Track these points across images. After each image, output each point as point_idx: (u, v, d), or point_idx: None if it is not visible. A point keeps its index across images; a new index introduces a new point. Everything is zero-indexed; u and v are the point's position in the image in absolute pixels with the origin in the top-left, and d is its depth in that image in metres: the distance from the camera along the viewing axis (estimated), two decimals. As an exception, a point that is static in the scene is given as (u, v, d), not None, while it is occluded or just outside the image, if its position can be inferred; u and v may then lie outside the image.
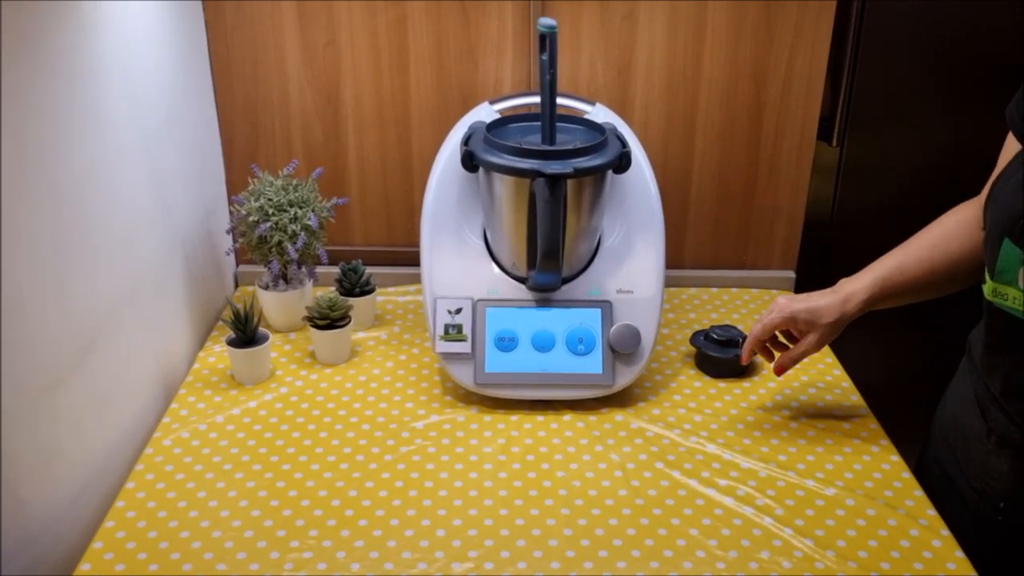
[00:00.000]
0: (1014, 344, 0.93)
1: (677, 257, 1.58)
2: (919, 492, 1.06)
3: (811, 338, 1.11)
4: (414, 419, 1.20)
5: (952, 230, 1.06)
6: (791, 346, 1.16)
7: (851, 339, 1.47)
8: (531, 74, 1.45)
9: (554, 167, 1.11)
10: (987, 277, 0.94)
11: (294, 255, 1.32)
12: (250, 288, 1.54)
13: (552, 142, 1.16)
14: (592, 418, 1.20)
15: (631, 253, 1.25)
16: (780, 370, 1.16)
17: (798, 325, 1.12)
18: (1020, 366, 0.94)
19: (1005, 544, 1.02)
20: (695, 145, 1.51)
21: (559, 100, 1.19)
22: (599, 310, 1.23)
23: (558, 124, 1.20)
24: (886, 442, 1.16)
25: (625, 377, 1.22)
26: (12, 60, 0.86)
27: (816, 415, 1.22)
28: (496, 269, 1.25)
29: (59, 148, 0.96)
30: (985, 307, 0.96)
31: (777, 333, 1.17)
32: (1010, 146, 0.99)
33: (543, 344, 1.21)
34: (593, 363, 1.21)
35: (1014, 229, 0.88)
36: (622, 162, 1.18)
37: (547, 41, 1.09)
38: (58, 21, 0.96)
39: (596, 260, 1.26)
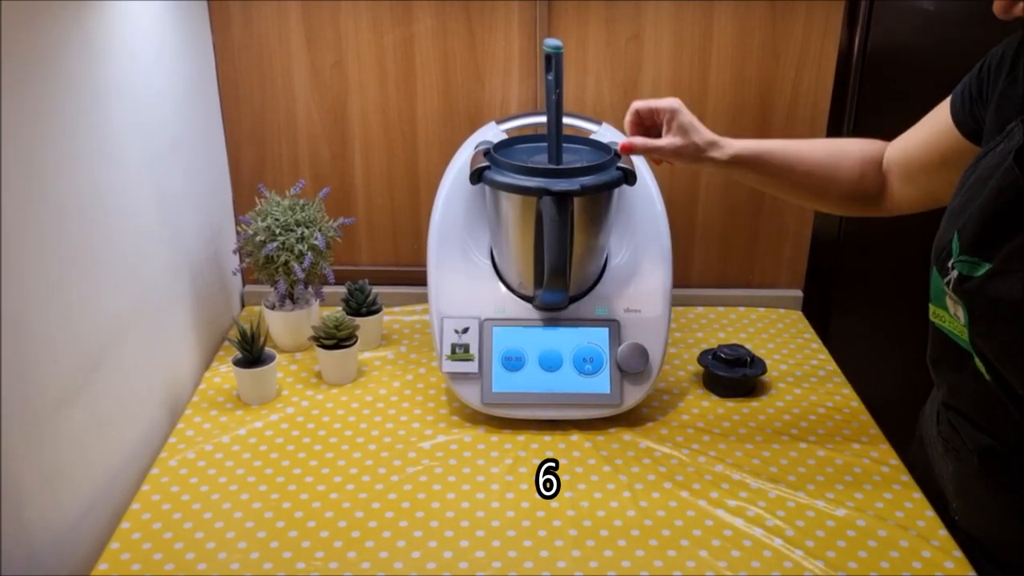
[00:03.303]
0: (952, 360, 0.95)
1: (684, 276, 1.57)
2: (930, 513, 1.05)
3: (670, 140, 1.09)
4: (421, 439, 1.19)
5: (847, 152, 1.10)
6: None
7: (861, 359, 1.47)
8: (537, 94, 1.46)
9: (561, 185, 1.11)
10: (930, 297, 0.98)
11: (301, 275, 1.32)
12: (256, 308, 1.54)
13: (559, 161, 1.16)
14: (600, 438, 1.20)
15: (638, 272, 1.25)
16: (629, 148, 1.11)
17: (674, 121, 1.09)
18: (957, 382, 0.97)
19: (964, 544, 1.02)
20: (701, 164, 1.51)
21: (565, 120, 1.20)
22: (606, 329, 1.22)
23: (565, 144, 1.20)
24: (896, 462, 1.15)
25: (633, 397, 1.21)
26: (20, 82, 0.86)
27: (826, 435, 1.21)
28: (503, 288, 1.25)
29: (66, 168, 0.96)
30: (930, 326, 0.98)
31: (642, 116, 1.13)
32: (932, 122, 1.02)
33: (550, 364, 1.21)
34: (601, 383, 1.20)
35: (939, 260, 0.90)
36: (628, 179, 1.18)
37: (553, 61, 1.09)
38: (66, 43, 0.96)
39: (603, 279, 1.26)
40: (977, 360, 0.89)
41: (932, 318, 0.96)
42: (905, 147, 1.07)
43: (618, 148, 1.14)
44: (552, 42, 1.09)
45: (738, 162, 1.09)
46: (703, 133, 1.09)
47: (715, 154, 1.08)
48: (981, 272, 0.83)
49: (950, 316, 0.91)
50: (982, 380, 0.90)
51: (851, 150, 1.10)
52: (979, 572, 0.98)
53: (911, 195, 1.08)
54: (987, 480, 0.96)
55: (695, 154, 1.09)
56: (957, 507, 1.03)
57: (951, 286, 0.88)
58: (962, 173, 0.92)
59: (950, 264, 0.88)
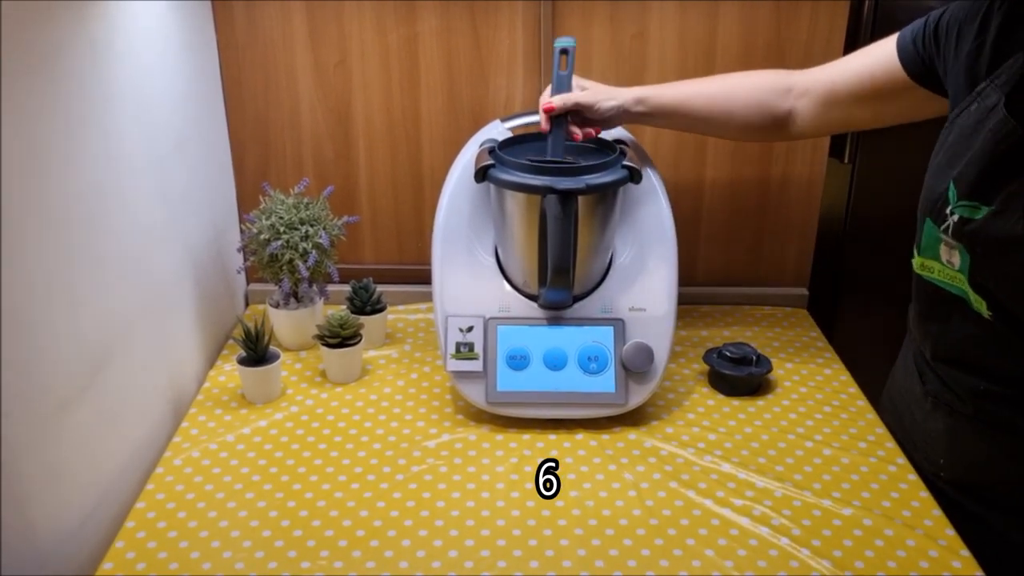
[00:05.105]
0: (940, 312, 1.03)
1: (689, 274, 1.57)
2: (937, 512, 1.05)
3: (578, 93, 1.19)
4: (425, 438, 1.19)
5: (742, 84, 1.21)
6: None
7: (866, 357, 1.46)
8: (541, 92, 1.45)
9: (566, 183, 1.11)
10: (915, 252, 1.04)
11: (305, 273, 1.32)
12: (261, 307, 1.54)
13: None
14: (605, 437, 1.19)
15: (643, 271, 1.25)
16: (551, 107, 1.18)
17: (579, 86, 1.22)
18: (946, 332, 1.03)
19: (946, 497, 1.08)
20: (707, 162, 1.50)
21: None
22: (611, 328, 1.22)
23: (569, 143, 1.20)
24: (903, 461, 1.14)
25: (638, 396, 1.21)
26: (25, 81, 0.86)
27: (832, 434, 1.20)
28: (508, 287, 1.25)
29: (70, 167, 0.96)
30: (915, 280, 1.06)
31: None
32: (872, 56, 1.11)
33: (555, 362, 1.21)
34: (606, 382, 1.20)
35: (933, 210, 0.98)
36: (633, 177, 1.18)
37: (569, 56, 1.17)
38: (69, 43, 0.96)
39: (608, 278, 1.25)
40: (974, 301, 0.96)
41: (919, 271, 1.04)
42: (835, 74, 1.15)
43: (544, 107, 1.20)
44: (566, 40, 1.16)
45: (640, 104, 1.20)
46: (599, 88, 1.21)
47: (609, 103, 1.19)
48: (981, 214, 0.92)
49: (941, 265, 0.99)
50: (976, 322, 0.97)
51: (745, 83, 1.21)
52: (964, 515, 1.05)
53: (827, 120, 1.17)
54: (981, 425, 1.02)
55: (603, 100, 1.19)
56: (945, 463, 1.08)
57: (950, 231, 0.95)
58: (940, 132, 1.00)
59: (948, 211, 0.95)
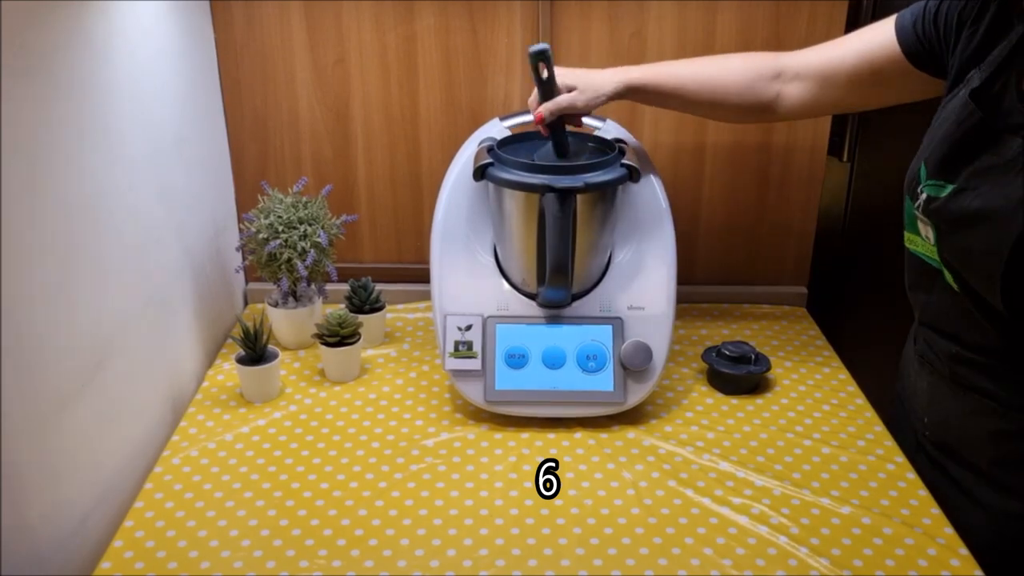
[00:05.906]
0: (924, 282, 1.07)
1: (688, 273, 1.57)
2: (936, 510, 1.05)
3: (570, 95, 1.17)
4: (424, 437, 1.19)
5: (733, 67, 1.20)
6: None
7: (865, 356, 1.46)
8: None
9: (564, 182, 1.11)
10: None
11: (304, 272, 1.32)
12: (259, 306, 1.54)
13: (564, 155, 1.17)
14: (604, 436, 1.19)
15: (642, 269, 1.25)
16: (541, 117, 1.17)
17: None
18: (929, 301, 1.08)
19: (933, 459, 1.13)
20: (705, 161, 1.50)
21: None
22: (610, 327, 1.22)
23: (570, 139, 1.20)
24: (902, 459, 1.14)
25: (637, 394, 1.21)
26: (23, 79, 0.86)
27: (830, 432, 1.21)
28: (506, 286, 1.25)
29: (69, 167, 0.96)
30: (905, 252, 1.10)
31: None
32: (869, 38, 1.11)
33: (554, 361, 1.21)
34: (604, 380, 1.20)
35: (909, 187, 1.03)
36: (632, 176, 1.18)
37: (546, 63, 1.13)
38: (68, 43, 0.96)
39: (607, 276, 1.25)
40: (946, 273, 1.01)
41: (907, 244, 1.09)
42: (829, 57, 1.15)
43: (535, 118, 1.18)
44: (540, 45, 1.13)
45: (630, 92, 1.19)
46: (587, 83, 1.18)
47: (598, 99, 1.17)
48: (946, 192, 0.97)
49: (921, 239, 1.04)
50: (950, 293, 1.01)
51: (736, 66, 1.20)
52: (945, 476, 1.09)
53: (818, 102, 1.17)
54: (955, 386, 1.07)
55: (592, 99, 1.17)
56: (928, 422, 1.12)
57: (920, 208, 1.01)
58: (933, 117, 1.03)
59: (919, 189, 1.01)
